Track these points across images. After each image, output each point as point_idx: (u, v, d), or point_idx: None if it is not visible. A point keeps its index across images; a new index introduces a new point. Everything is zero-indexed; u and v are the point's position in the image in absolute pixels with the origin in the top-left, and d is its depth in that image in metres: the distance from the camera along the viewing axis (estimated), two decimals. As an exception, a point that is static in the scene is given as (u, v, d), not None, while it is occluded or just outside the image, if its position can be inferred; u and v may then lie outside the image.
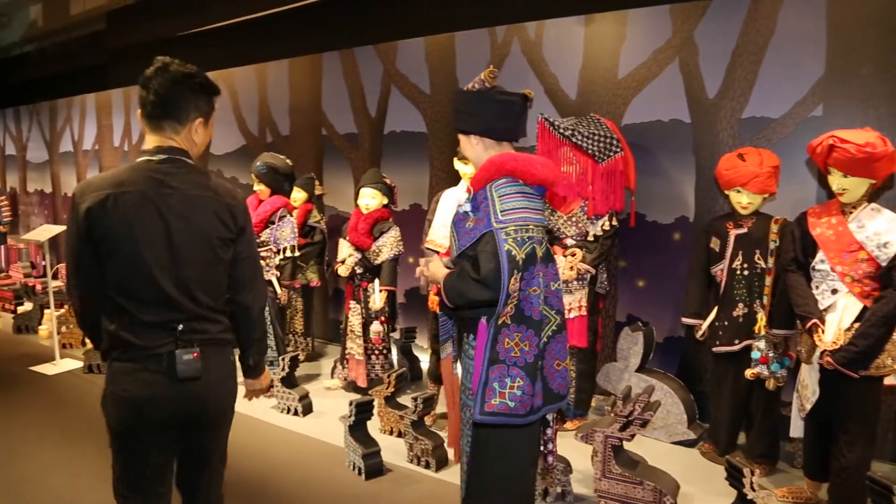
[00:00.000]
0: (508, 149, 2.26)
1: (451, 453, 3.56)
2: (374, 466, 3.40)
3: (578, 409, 3.98)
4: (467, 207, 2.19)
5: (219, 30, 8.03)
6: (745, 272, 3.36)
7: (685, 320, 3.64)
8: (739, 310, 3.37)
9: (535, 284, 2.10)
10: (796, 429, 3.06)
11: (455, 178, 4.36)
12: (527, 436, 2.21)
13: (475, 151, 2.28)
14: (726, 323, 3.41)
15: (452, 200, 3.84)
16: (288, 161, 4.64)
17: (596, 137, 3.70)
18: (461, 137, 2.31)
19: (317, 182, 5.46)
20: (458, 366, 2.38)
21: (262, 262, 4.37)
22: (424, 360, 4.87)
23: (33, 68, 12.88)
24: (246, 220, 2.04)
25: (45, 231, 5.54)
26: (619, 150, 3.73)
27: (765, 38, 3.70)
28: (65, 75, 11.58)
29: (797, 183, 3.66)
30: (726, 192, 3.42)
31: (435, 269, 2.25)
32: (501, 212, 2.08)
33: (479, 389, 2.08)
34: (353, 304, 4.47)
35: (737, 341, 3.37)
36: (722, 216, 3.56)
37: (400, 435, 3.79)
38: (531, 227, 2.11)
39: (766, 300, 3.29)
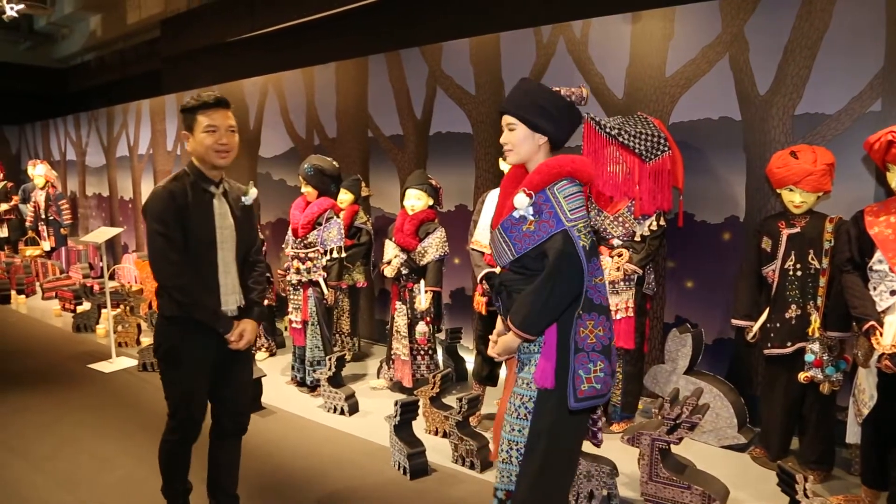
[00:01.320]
0: (555, 153, 2.34)
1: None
2: (419, 466, 3.42)
3: (625, 411, 3.93)
4: (526, 212, 2.22)
5: (267, 35, 8.23)
6: (798, 273, 3.27)
7: (735, 322, 3.56)
8: (792, 311, 3.29)
9: (600, 274, 2.23)
10: (853, 434, 2.96)
11: (500, 179, 4.35)
12: (582, 418, 2.29)
13: (529, 148, 2.31)
14: (778, 325, 3.33)
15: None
16: (335, 163, 4.70)
17: (643, 136, 3.65)
18: (521, 127, 2.29)
19: (363, 183, 5.52)
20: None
21: (308, 262, 4.45)
22: (469, 361, 4.87)
23: (92, 76, 13.40)
24: (144, 210, 2.55)
25: (103, 233, 5.69)
26: (666, 148, 3.67)
27: (819, 31, 3.60)
28: (121, 82, 12.01)
29: (853, 181, 3.54)
30: (778, 190, 3.34)
31: (505, 340, 2.32)
32: (570, 211, 2.18)
33: (570, 380, 2.18)
34: (398, 304, 4.50)
35: (789, 344, 3.29)
36: (774, 215, 3.47)
37: (445, 435, 3.80)
38: (588, 222, 2.23)
39: (820, 301, 3.20)
